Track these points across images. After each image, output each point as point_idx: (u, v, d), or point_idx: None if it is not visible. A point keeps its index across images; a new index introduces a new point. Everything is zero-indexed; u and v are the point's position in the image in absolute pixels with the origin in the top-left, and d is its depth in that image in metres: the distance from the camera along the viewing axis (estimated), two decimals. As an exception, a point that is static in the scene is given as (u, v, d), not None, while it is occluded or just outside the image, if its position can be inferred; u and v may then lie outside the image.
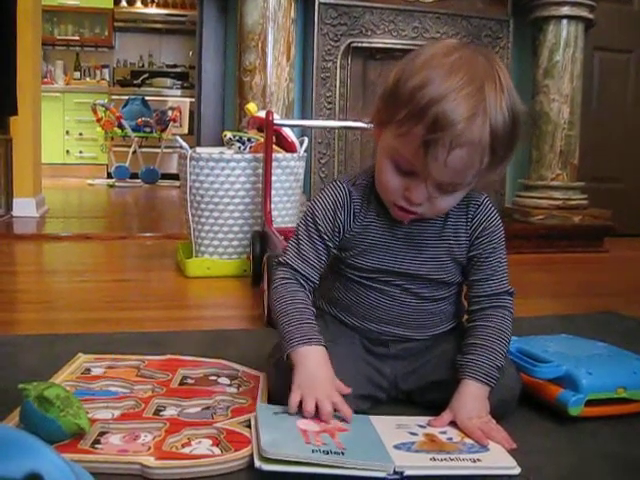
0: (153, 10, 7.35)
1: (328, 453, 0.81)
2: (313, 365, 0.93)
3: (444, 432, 0.92)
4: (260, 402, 0.99)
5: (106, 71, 7.44)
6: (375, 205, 1.00)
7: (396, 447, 0.86)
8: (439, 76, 0.85)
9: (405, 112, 0.86)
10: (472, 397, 0.95)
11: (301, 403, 0.90)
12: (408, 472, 0.80)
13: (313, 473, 0.79)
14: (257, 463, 0.79)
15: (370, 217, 1.01)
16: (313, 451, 0.81)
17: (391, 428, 0.92)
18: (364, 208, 1.01)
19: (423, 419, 0.96)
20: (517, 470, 0.83)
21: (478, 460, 0.85)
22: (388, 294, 1.02)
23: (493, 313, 1.01)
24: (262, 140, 2.08)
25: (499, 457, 0.87)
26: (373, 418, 0.95)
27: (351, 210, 1.01)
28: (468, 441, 0.90)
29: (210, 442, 0.86)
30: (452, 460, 0.84)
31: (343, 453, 0.82)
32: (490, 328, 0.99)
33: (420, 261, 1.00)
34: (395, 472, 0.80)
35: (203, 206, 2.10)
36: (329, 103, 2.88)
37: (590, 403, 0.99)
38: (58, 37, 7.19)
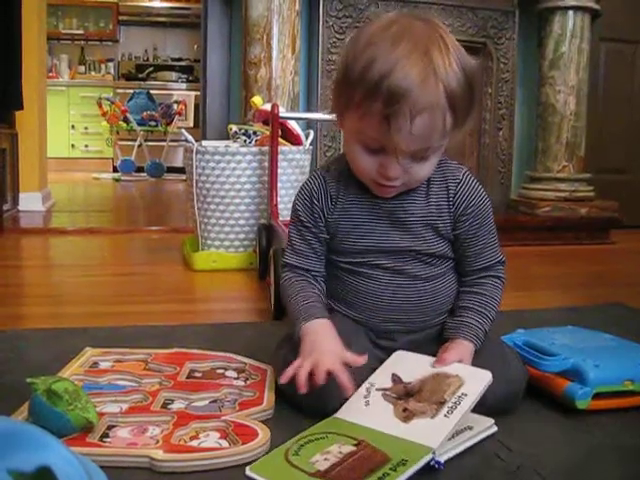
0: (157, 3, 7.32)
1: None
2: (313, 337, 0.96)
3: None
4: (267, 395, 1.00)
5: (111, 65, 7.43)
6: (354, 188, 1.02)
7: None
8: (383, 50, 0.88)
9: (360, 94, 0.89)
10: (460, 350, 0.97)
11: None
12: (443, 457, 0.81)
13: None
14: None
15: (350, 199, 1.03)
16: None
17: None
18: (342, 191, 1.04)
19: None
20: (494, 428, 0.89)
21: (469, 428, 0.87)
22: (376, 278, 1.03)
23: (486, 282, 1.05)
24: (267, 133, 2.08)
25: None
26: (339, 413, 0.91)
27: (328, 194, 1.04)
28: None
29: (218, 435, 0.87)
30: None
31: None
32: (482, 295, 1.03)
33: (406, 237, 1.02)
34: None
35: (209, 199, 2.10)
36: (334, 96, 2.87)
37: (597, 396, 0.99)
38: (63, 31, 7.18)
